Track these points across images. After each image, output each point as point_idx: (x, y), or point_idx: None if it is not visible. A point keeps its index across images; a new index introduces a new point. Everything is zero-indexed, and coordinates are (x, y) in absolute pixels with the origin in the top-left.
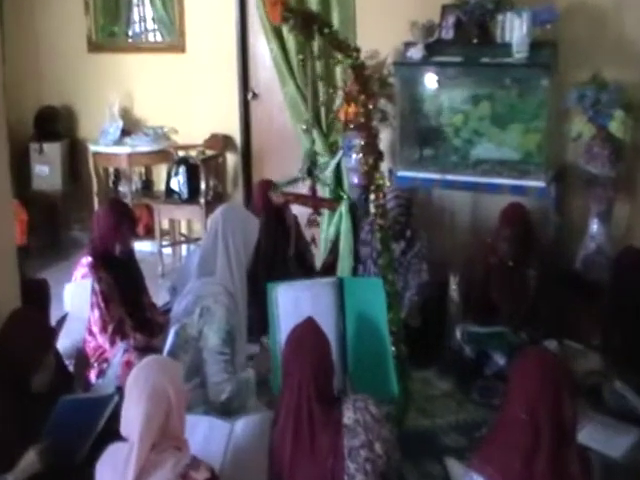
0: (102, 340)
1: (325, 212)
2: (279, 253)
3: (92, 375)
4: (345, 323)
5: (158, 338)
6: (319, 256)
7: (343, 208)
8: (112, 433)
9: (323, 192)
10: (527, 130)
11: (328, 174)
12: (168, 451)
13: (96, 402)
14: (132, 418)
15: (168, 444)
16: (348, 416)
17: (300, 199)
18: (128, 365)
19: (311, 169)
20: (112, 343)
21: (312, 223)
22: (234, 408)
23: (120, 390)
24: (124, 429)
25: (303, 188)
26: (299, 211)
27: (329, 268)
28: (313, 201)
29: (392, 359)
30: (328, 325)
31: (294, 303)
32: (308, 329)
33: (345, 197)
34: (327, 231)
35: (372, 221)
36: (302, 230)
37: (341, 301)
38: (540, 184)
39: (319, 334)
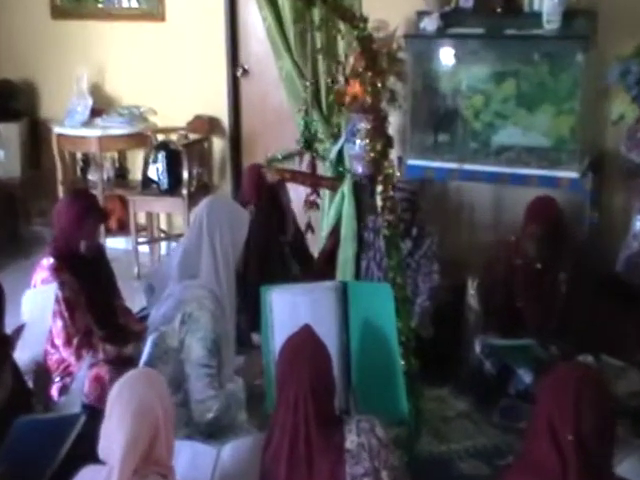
0: (67, 354)
1: (326, 193)
2: (273, 247)
3: (54, 392)
4: (349, 333)
5: (133, 347)
6: (321, 241)
7: (345, 187)
8: (79, 458)
9: (324, 170)
10: (559, 112)
11: (329, 162)
12: (151, 477)
13: (59, 422)
14: (113, 439)
15: (151, 469)
16: (351, 439)
17: (297, 176)
18: (97, 380)
19: (310, 142)
20: (78, 357)
21: (311, 205)
22: (221, 427)
23: (87, 409)
24: (102, 451)
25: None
26: (294, 195)
27: (329, 254)
28: (312, 179)
29: (402, 375)
30: (329, 335)
31: (291, 309)
32: (305, 338)
33: (348, 174)
34: (328, 213)
35: (375, 219)
36: (296, 220)
37: (345, 308)
38: (573, 175)
39: (318, 344)
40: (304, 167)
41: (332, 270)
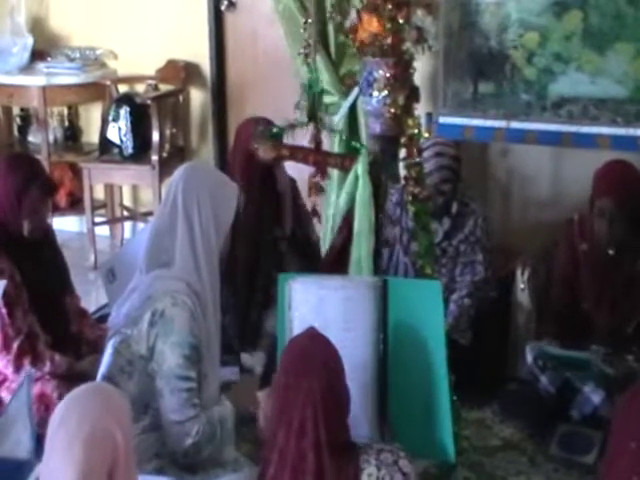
0: (3, 363)
1: (334, 173)
2: (267, 233)
3: None
4: (387, 344)
5: (88, 360)
6: (325, 237)
7: (359, 167)
8: None
9: (331, 144)
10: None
11: (339, 120)
12: None
13: (1, 470)
14: (58, 475)
15: None
16: (369, 472)
17: (298, 154)
18: (42, 400)
19: (314, 110)
20: (18, 367)
21: (314, 189)
22: (203, 459)
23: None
24: None
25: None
26: (297, 173)
27: (339, 253)
28: (316, 157)
29: (449, 403)
30: (363, 345)
31: (316, 306)
32: (313, 342)
33: (363, 150)
34: (337, 201)
35: (402, 189)
36: (302, 200)
37: (384, 312)
38: None
39: (329, 349)
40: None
41: (343, 273)
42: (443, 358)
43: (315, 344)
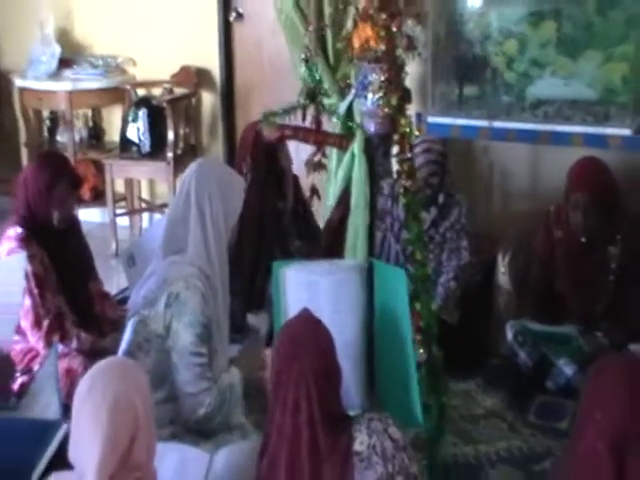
0: (35, 339)
1: (333, 153)
2: (270, 216)
3: (17, 388)
4: (374, 323)
5: (110, 338)
6: (326, 209)
7: (356, 146)
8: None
9: (331, 126)
10: (609, 58)
11: (337, 120)
12: None
13: (34, 429)
14: (86, 441)
15: (131, 475)
16: (361, 440)
17: (300, 134)
18: (69, 374)
19: (314, 94)
20: (48, 343)
21: (315, 166)
22: (215, 424)
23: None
24: (73, 455)
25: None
26: (295, 156)
27: (338, 225)
28: (316, 136)
29: (415, 374)
30: (352, 326)
31: (309, 291)
32: (305, 324)
33: (358, 130)
34: (335, 177)
35: (393, 182)
36: (303, 194)
37: (370, 293)
38: (625, 132)
39: (320, 330)
40: (307, 123)
41: (340, 244)
42: (408, 336)
43: (306, 327)
